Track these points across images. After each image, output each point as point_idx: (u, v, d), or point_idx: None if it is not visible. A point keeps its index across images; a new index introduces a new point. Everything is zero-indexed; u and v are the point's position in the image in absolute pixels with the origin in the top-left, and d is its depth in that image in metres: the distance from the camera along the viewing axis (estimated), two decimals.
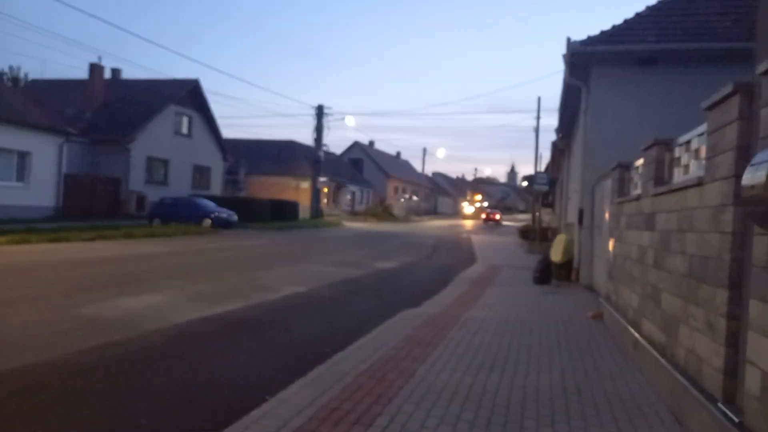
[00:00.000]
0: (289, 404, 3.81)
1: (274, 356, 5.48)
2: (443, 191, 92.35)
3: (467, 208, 71.26)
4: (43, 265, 10.84)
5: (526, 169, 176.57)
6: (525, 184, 24.23)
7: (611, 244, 7.58)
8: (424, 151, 64.64)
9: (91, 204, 26.41)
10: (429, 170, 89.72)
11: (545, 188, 20.60)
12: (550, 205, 27.99)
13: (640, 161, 5.96)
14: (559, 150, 19.71)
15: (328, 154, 43.55)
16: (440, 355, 5.33)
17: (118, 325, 6.22)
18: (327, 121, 37.66)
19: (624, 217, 6.72)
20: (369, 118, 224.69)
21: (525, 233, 24.25)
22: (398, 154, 77.66)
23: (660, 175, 5.10)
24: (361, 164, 65.07)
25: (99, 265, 11.28)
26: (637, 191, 6.04)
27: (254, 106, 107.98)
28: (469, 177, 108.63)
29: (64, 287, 8.49)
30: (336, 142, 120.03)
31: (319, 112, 37.46)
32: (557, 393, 4.31)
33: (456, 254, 18.86)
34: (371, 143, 68.83)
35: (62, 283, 8.87)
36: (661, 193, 4.84)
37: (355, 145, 66.12)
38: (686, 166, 4.41)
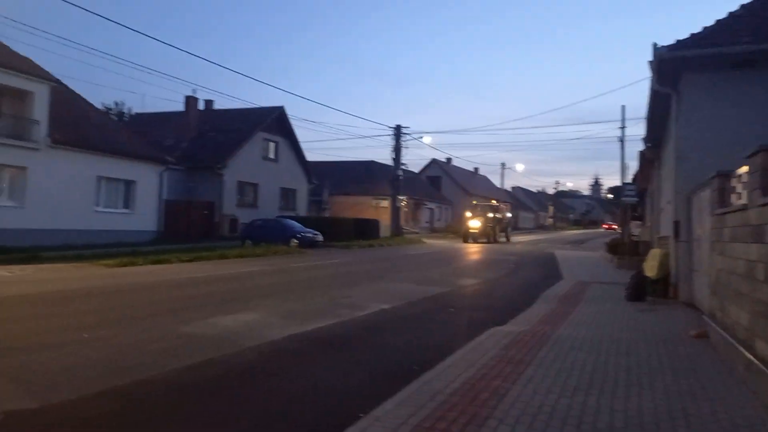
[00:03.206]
0: (384, 422, 3.87)
1: (364, 373, 5.58)
2: (523, 206, 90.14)
3: (472, 221, 38.02)
4: (148, 286, 11.68)
5: (611, 181, 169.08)
6: (611, 196, 23.21)
7: (713, 258, 7.11)
8: (503, 165, 63.71)
9: (188, 227, 28.18)
10: (508, 185, 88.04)
11: (633, 200, 19.64)
12: (640, 218, 26.58)
13: (744, 169, 5.59)
14: (648, 160, 18.75)
15: (406, 172, 43.91)
16: (533, 374, 5.21)
17: (217, 342, 6.57)
18: (405, 141, 38.12)
19: (727, 229, 6.29)
20: (446, 135, 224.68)
21: (613, 247, 23.14)
22: (476, 170, 76.88)
23: None
24: (440, 181, 65.01)
25: (197, 286, 11.99)
26: (742, 201, 5.65)
27: (335, 130, 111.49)
28: (550, 191, 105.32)
29: (167, 307, 9.11)
30: (414, 160, 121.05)
31: (397, 132, 37.96)
32: (662, 418, 4.08)
33: (540, 270, 18.33)
34: (449, 160, 68.66)
35: (165, 303, 9.53)
36: None
37: (433, 163, 66.22)
38: None
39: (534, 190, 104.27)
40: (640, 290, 10.73)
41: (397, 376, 5.20)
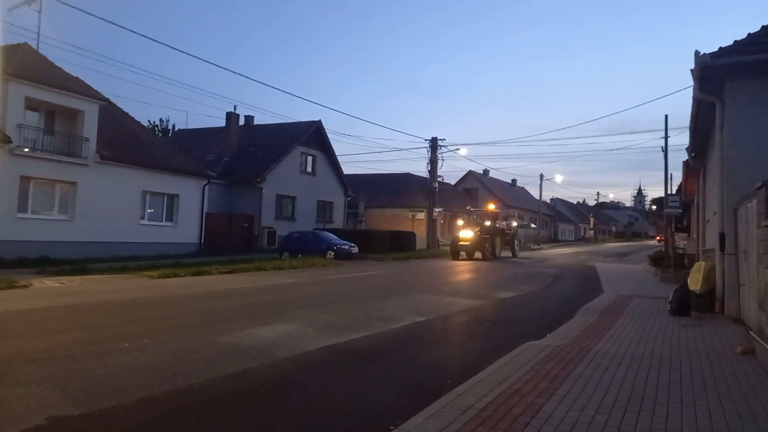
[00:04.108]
0: None
1: (397, 385, 5.57)
2: (563, 218, 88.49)
3: (463, 232, 30.63)
4: (189, 297, 11.98)
5: (654, 192, 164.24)
6: (654, 207, 22.57)
7: (761, 271, 6.83)
8: (541, 177, 62.63)
9: (228, 239, 28.80)
10: (547, 196, 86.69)
11: (678, 211, 19.03)
12: (685, 230, 25.72)
13: None
14: (693, 170, 18.17)
15: (442, 184, 43.78)
16: (568, 390, 5.10)
17: (254, 352, 6.68)
18: (440, 153, 38.06)
19: None
20: (482, 147, 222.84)
21: (657, 260, 22.44)
22: (514, 181, 76.02)
23: None
24: (476, 193, 64.50)
25: (236, 297, 12.23)
26: None
27: (371, 143, 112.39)
28: (591, 202, 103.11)
29: (207, 317, 9.32)
30: (450, 172, 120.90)
31: (433, 144, 37.97)
32: None
33: (580, 283, 17.93)
34: (485, 172, 68.16)
35: (205, 313, 9.75)
36: None
37: (469, 175, 65.85)
38: None
39: (574, 201, 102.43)
40: (685, 305, 10.37)
41: (430, 389, 5.18)
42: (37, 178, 20.17)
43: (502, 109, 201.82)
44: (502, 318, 10.28)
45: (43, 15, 23.09)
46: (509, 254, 34.34)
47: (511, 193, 70.75)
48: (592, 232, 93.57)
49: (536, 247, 54.69)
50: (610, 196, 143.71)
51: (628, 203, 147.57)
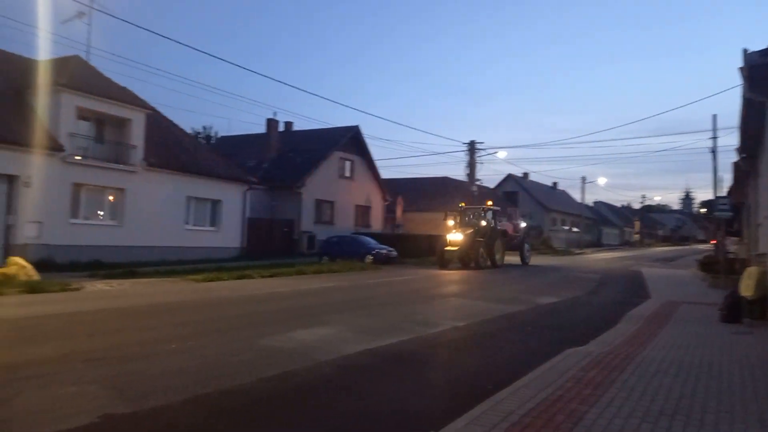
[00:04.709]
0: None
1: (436, 390, 5.57)
2: (607, 221, 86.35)
3: (451, 235, 24.92)
4: (232, 300, 12.25)
5: (703, 194, 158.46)
6: (703, 210, 21.76)
7: None
8: (583, 180, 61.28)
9: (269, 244, 29.31)
10: (589, 200, 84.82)
11: (728, 214, 18.30)
12: (736, 233, 24.72)
13: None
14: (743, 172, 17.48)
15: (481, 188, 43.41)
16: (612, 398, 4.99)
17: (294, 356, 6.79)
18: (479, 156, 37.81)
19: None
20: (522, 150, 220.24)
21: (706, 265, 21.65)
22: (555, 184, 74.64)
23: None
24: (516, 197, 63.69)
25: (277, 300, 12.44)
26: None
27: (409, 147, 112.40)
28: (636, 205, 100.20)
29: (249, 320, 9.52)
30: (489, 175, 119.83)
31: (471, 147, 37.75)
32: None
33: (625, 288, 17.48)
34: (525, 175, 67.22)
35: (247, 317, 9.96)
36: None
37: (509, 178, 65.06)
38: None
39: (618, 204, 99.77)
40: (736, 311, 9.99)
41: (469, 395, 5.16)
42: (88, 185, 20.99)
43: (542, 111, 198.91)
44: (544, 324, 10.12)
45: (92, 27, 24.12)
46: (505, 259, 28.16)
47: (551, 196, 69.52)
48: (637, 236, 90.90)
49: (579, 251, 53.55)
50: (656, 198, 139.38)
51: (676, 206, 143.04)
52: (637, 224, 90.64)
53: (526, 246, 29.77)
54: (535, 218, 60.82)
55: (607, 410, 4.60)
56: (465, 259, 24.55)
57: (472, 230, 25.29)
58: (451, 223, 26.24)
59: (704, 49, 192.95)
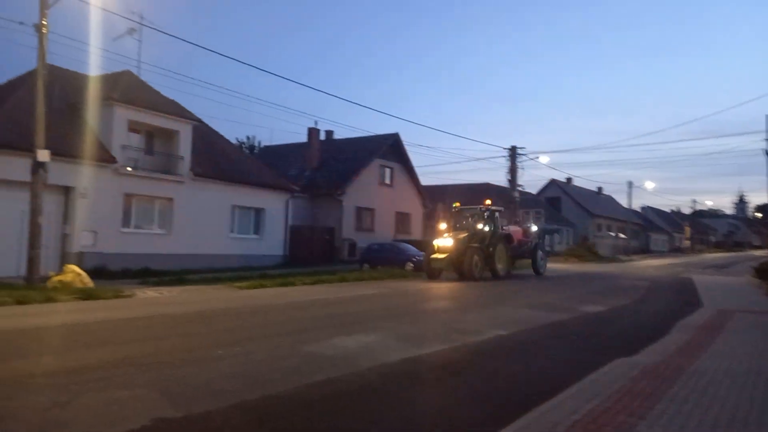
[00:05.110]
0: None
1: (480, 399, 5.52)
2: (655, 227, 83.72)
3: (440, 240, 21.52)
4: (275, 307, 12.46)
5: (758, 198, 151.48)
6: (759, 215, 20.81)
7: None
8: (630, 184, 59.63)
9: (311, 251, 29.68)
10: (636, 205, 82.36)
11: None
12: None
13: None
14: None
15: (523, 194, 42.82)
16: (664, 410, 4.84)
17: (337, 362, 6.84)
18: (520, 162, 37.26)
19: None
20: (565, 155, 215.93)
21: (762, 272, 20.70)
22: (599, 189, 72.91)
23: None
24: (559, 202, 62.57)
25: (320, 307, 12.58)
26: None
27: (448, 153, 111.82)
28: (686, 210, 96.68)
29: (292, 326, 9.65)
30: (531, 181, 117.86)
31: (512, 153, 37.26)
32: None
33: (675, 297, 16.88)
34: (569, 180, 65.93)
35: (290, 323, 10.12)
36: None
37: (552, 184, 63.98)
38: None
39: (667, 209, 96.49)
40: None
41: (514, 405, 5.09)
42: (138, 195, 21.80)
43: (585, 115, 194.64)
44: (590, 333, 9.89)
45: (142, 43, 25.08)
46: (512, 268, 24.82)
47: (596, 202, 67.96)
48: (688, 242, 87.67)
49: (626, 258, 52.05)
50: (708, 203, 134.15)
51: (728, 210, 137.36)
52: (688, 230, 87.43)
53: (540, 253, 25.99)
54: (578, 224, 59.53)
55: (658, 423, 4.47)
56: (459, 266, 21.23)
57: (465, 234, 21.88)
58: (443, 225, 23.12)
59: (757, 48, 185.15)
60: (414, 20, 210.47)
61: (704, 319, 11.57)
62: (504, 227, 24.78)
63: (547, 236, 38.08)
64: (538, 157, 41.38)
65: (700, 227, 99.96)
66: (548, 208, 58.43)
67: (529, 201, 50.39)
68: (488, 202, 23.27)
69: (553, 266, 27.23)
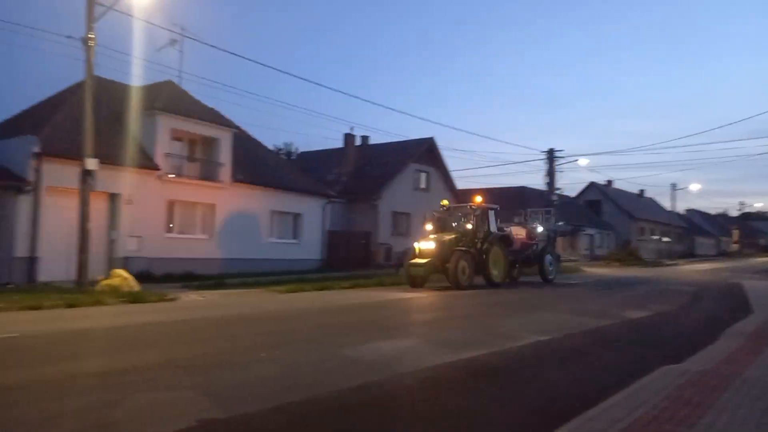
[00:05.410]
0: None
1: (521, 406, 5.45)
2: (700, 230, 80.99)
3: (422, 243, 18.72)
4: (314, 311, 12.60)
5: None
6: None
7: None
8: (673, 187, 57.95)
9: (347, 256, 29.87)
10: (681, 208, 79.87)
11: None
12: None
13: None
14: None
15: (561, 197, 42.10)
16: (713, 420, 4.68)
17: (375, 366, 6.86)
18: (558, 164, 36.67)
19: None
20: (604, 157, 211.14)
21: None
22: (641, 192, 70.95)
23: None
24: (599, 205, 61.22)
25: (357, 311, 12.65)
26: None
27: (484, 157, 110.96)
28: (734, 213, 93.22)
29: (331, 330, 9.75)
30: (570, 184, 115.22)
31: (550, 155, 36.69)
32: None
33: (724, 303, 16.27)
34: (609, 183, 64.45)
35: (329, 327, 10.21)
36: None
37: (591, 186, 62.65)
38: None
39: (713, 212, 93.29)
40: None
41: (557, 411, 5.01)
42: (181, 201, 22.40)
43: (626, 116, 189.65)
44: (634, 339, 9.64)
45: (183, 53, 25.80)
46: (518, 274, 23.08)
47: (638, 205, 66.20)
48: (736, 245, 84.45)
49: (670, 262, 50.51)
50: (757, 205, 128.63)
51: None
52: (736, 233, 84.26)
53: (548, 257, 23.07)
54: (619, 227, 58.09)
55: None
56: (441, 272, 18.59)
57: (453, 236, 19.17)
58: (429, 226, 20.12)
59: None
60: (450, 25, 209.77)
61: (755, 325, 11.12)
62: (505, 228, 22.08)
63: (562, 239, 34.48)
64: (577, 160, 40.59)
65: (749, 230, 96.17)
66: (587, 211, 57.25)
67: (567, 204, 49.45)
68: (479, 199, 20.57)
69: (593, 270, 26.58)
